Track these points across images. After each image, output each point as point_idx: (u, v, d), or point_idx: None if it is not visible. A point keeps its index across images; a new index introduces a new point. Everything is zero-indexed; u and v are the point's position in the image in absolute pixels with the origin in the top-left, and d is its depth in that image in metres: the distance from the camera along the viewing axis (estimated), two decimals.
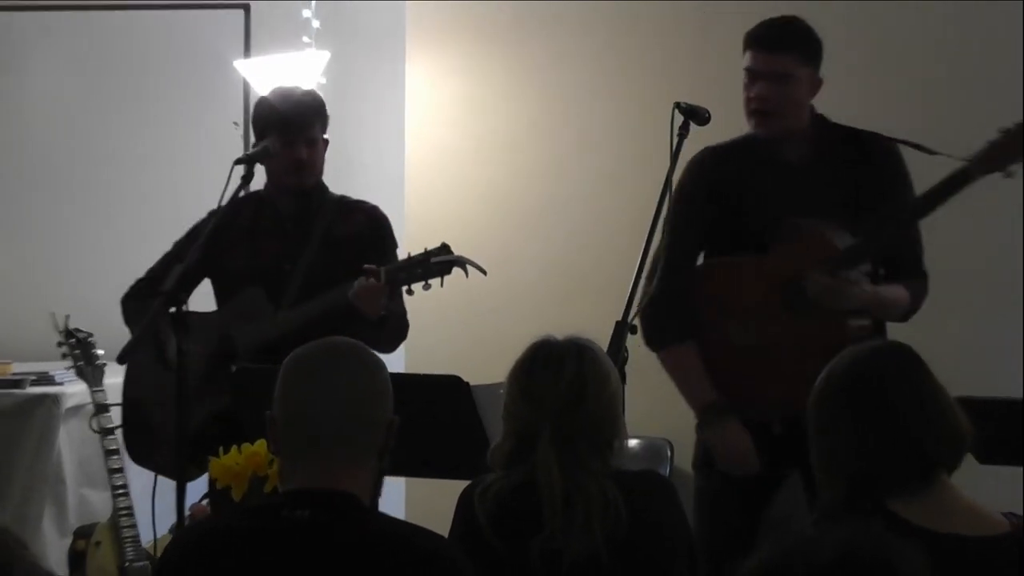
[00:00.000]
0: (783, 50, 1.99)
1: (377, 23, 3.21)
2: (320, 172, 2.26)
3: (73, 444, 2.66)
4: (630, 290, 1.87)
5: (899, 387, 1.36)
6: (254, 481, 1.78)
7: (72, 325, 2.48)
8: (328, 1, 3.08)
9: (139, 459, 2.30)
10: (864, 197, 1.96)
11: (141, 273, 2.33)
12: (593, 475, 1.50)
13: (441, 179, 3.21)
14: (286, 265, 2.22)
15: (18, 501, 2.57)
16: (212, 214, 2.12)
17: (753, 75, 2.00)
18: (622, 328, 1.82)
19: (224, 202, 2.05)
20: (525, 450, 1.52)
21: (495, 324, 2.93)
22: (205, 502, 2.10)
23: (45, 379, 2.70)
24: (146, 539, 2.31)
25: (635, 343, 1.89)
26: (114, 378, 2.43)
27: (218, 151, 2.83)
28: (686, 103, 1.94)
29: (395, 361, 2.39)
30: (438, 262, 2.00)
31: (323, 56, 3.00)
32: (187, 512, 1.98)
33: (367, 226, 2.26)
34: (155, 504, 1.99)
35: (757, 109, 1.99)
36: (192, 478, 2.00)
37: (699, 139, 2.05)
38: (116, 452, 2.38)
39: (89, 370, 2.46)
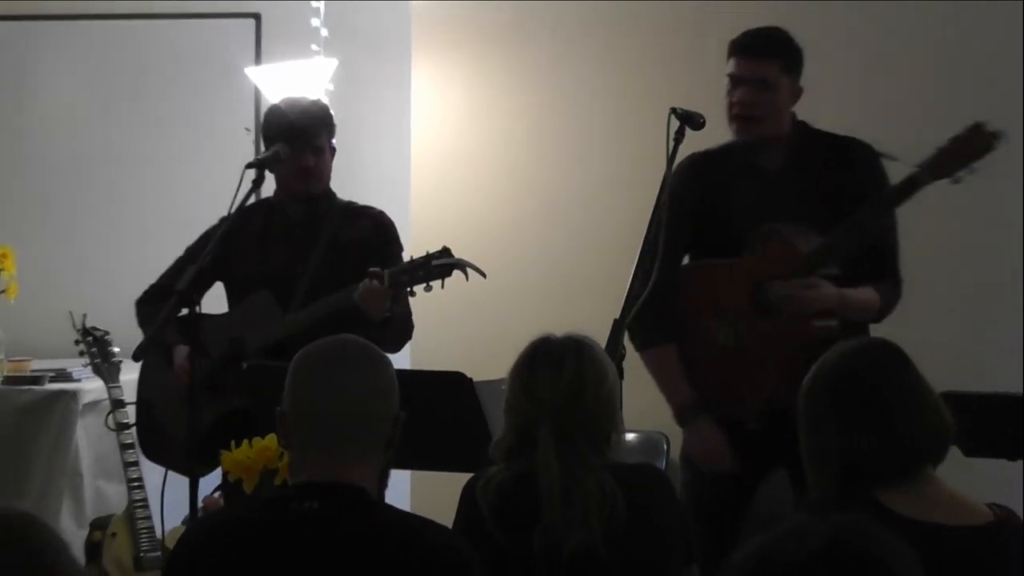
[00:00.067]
0: (766, 57, 2.03)
1: (383, 31, 3.25)
2: (327, 179, 2.31)
3: (90, 439, 2.70)
4: (627, 290, 1.91)
5: (885, 383, 1.39)
6: (265, 474, 1.83)
7: (89, 324, 2.54)
8: (336, 11, 3.13)
9: (152, 456, 2.35)
10: (843, 202, 2.00)
11: (155, 274, 2.39)
12: (591, 469, 1.54)
13: (445, 182, 3.25)
14: (295, 269, 2.27)
15: (37, 494, 2.61)
16: (224, 220, 2.17)
17: (736, 81, 2.04)
18: (620, 326, 1.86)
19: (235, 205, 2.11)
20: (525, 444, 1.56)
21: (497, 323, 2.97)
22: (217, 495, 2.16)
23: (63, 376, 2.75)
24: (171, 524, 2.36)
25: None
26: (130, 375, 2.49)
27: (230, 156, 2.87)
28: (682, 108, 1.99)
29: (401, 359, 2.43)
30: (439, 265, 2.05)
31: (331, 63, 3.06)
32: (200, 504, 2.04)
33: (373, 231, 2.31)
34: (164, 499, 2.04)
35: (739, 114, 2.04)
36: (202, 475, 2.05)
37: (696, 143, 2.09)
38: (131, 446, 2.43)
39: (105, 367, 2.51)
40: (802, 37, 3.05)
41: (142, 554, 2.36)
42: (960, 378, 2.13)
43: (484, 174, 3.27)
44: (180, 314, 2.08)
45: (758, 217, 2.03)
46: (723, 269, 2.05)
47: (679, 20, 3.03)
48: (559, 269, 3.02)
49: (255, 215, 2.34)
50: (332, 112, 2.35)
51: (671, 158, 1.98)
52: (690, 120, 1.98)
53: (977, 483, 1.63)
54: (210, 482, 2.13)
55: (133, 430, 2.45)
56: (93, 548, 2.38)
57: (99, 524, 2.43)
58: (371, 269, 2.10)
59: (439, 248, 2.07)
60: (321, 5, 3.11)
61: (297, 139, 2.24)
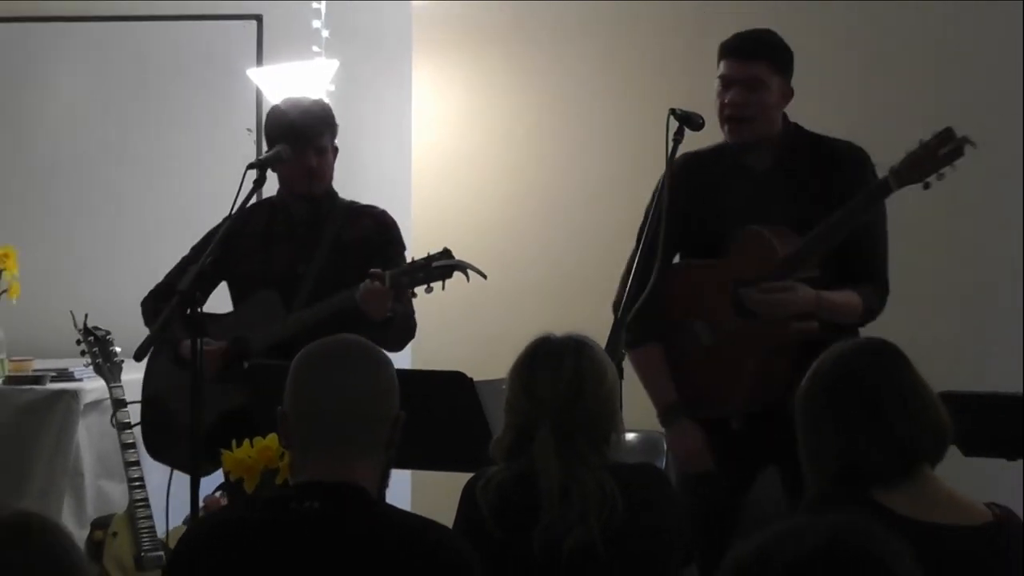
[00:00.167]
0: (756, 59, 2.04)
1: (384, 33, 3.26)
2: (329, 179, 2.31)
3: (92, 438, 2.70)
4: (626, 292, 1.92)
5: (883, 382, 1.39)
6: (266, 474, 1.84)
7: (91, 324, 2.54)
8: (337, 11, 3.14)
9: (156, 454, 2.36)
10: (831, 204, 2.00)
11: (156, 274, 2.40)
12: (591, 468, 1.54)
13: (446, 183, 3.26)
14: (298, 269, 2.28)
15: (39, 493, 2.62)
16: (227, 220, 2.18)
17: (727, 82, 2.05)
18: (619, 326, 1.87)
19: (237, 206, 2.12)
20: (525, 443, 1.56)
21: (498, 323, 2.98)
22: (219, 494, 2.16)
23: (65, 376, 2.75)
24: (160, 531, 2.37)
25: None
26: (131, 375, 2.50)
27: (232, 157, 2.88)
28: (681, 109, 2.00)
29: (402, 359, 2.44)
30: (440, 266, 2.05)
31: (332, 65, 3.07)
32: (201, 504, 2.04)
33: (375, 230, 2.32)
34: (170, 498, 2.04)
35: (731, 115, 2.04)
36: (206, 473, 2.05)
37: (695, 143, 2.10)
38: (133, 446, 2.43)
39: (107, 367, 2.52)
40: (802, 38, 3.05)
41: (143, 553, 2.37)
42: (960, 378, 2.13)
43: (485, 174, 3.27)
44: (187, 313, 2.09)
45: (745, 218, 2.04)
46: (705, 270, 2.06)
47: (679, 21, 3.04)
48: (559, 269, 3.02)
49: (258, 214, 2.34)
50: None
51: (670, 159, 1.99)
52: (689, 121, 1.99)
53: (977, 483, 1.63)
54: (211, 482, 2.13)
55: (134, 430, 2.45)
56: (94, 547, 2.39)
57: (100, 523, 2.44)
58: (372, 270, 2.11)
59: (440, 249, 2.08)
60: (322, 6, 3.12)
61: (299, 139, 2.24)
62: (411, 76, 3.28)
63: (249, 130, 3.22)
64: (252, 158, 2.51)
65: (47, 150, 3.36)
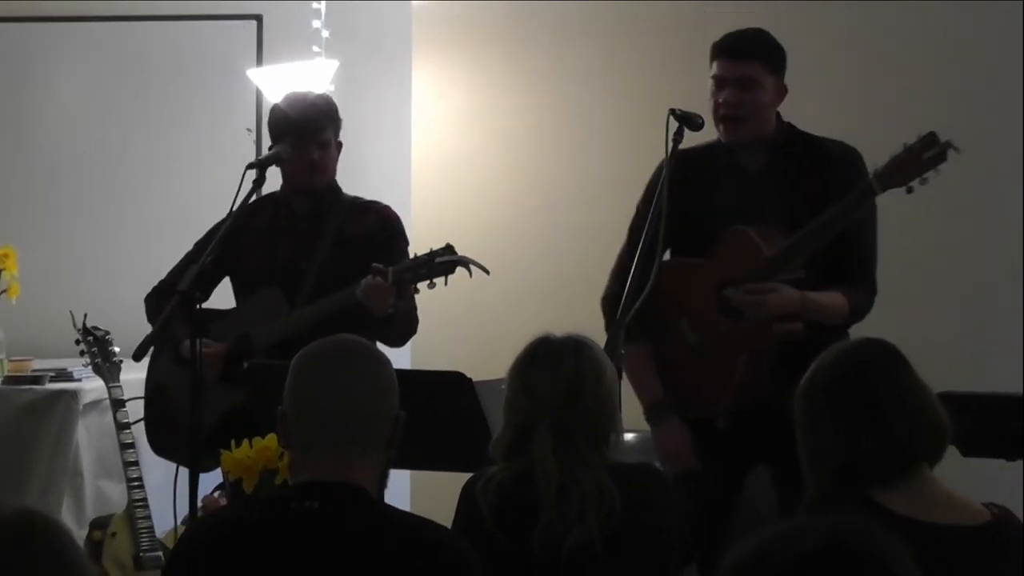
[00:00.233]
0: (749, 58, 2.04)
1: (384, 33, 3.26)
2: (332, 173, 2.31)
3: (91, 438, 2.70)
4: (626, 290, 1.92)
5: (881, 383, 1.39)
6: (265, 474, 1.84)
7: (90, 324, 2.54)
8: (337, 11, 3.14)
9: (160, 451, 2.36)
10: (822, 205, 2.01)
11: (156, 274, 2.40)
12: (589, 467, 1.55)
13: (446, 183, 3.26)
14: (301, 264, 2.28)
15: (38, 493, 2.62)
16: (230, 215, 2.17)
17: (720, 82, 2.05)
18: (618, 326, 1.87)
19: (237, 205, 2.12)
20: (524, 442, 1.57)
21: (497, 323, 2.98)
22: (217, 494, 2.16)
23: (64, 376, 2.75)
24: (167, 527, 2.37)
25: None
26: (130, 375, 2.50)
27: (232, 156, 2.88)
28: (680, 109, 2.00)
29: (401, 359, 2.44)
30: (442, 262, 2.05)
31: (332, 65, 3.07)
32: (200, 504, 2.05)
33: (378, 225, 2.32)
34: (176, 493, 2.04)
35: (726, 115, 2.05)
36: (210, 470, 2.05)
37: (695, 143, 2.09)
38: (132, 446, 2.44)
39: (106, 367, 2.52)
40: (802, 38, 3.05)
41: (142, 553, 2.37)
42: (960, 378, 2.14)
43: (485, 174, 3.27)
44: (184, 311, 2.09)
45: (737, 217, 2.04)
46: (692, 269, 2.06)
47: (678, 21, 3.04)
48: (559, 269, 3.03)
49: (261, 210, 2.35)
50: None
51: (670, 159, 1.99)
52: (689, 121, 2.00)
53: (977, 484, 1.63)
54: (211, 481, 2.13)
55: (134, 430, 2.46)
56: (93, 547, 2.39)
57: (99, 523, 2.44)
58: (374, 265, 2.11)
59: (442, 245, 2.07)
60: (322, 6, 3.12)
61: (302, 133, 2.25)
62: (411, 76, 3.28)
63: (249, 130, 3.22)
64: (252, 158, 2.51)
65: (47, 150, 3.36)
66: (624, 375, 1.82)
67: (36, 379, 2.75)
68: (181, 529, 2.15)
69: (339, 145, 2.31)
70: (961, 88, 3.07)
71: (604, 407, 1.59)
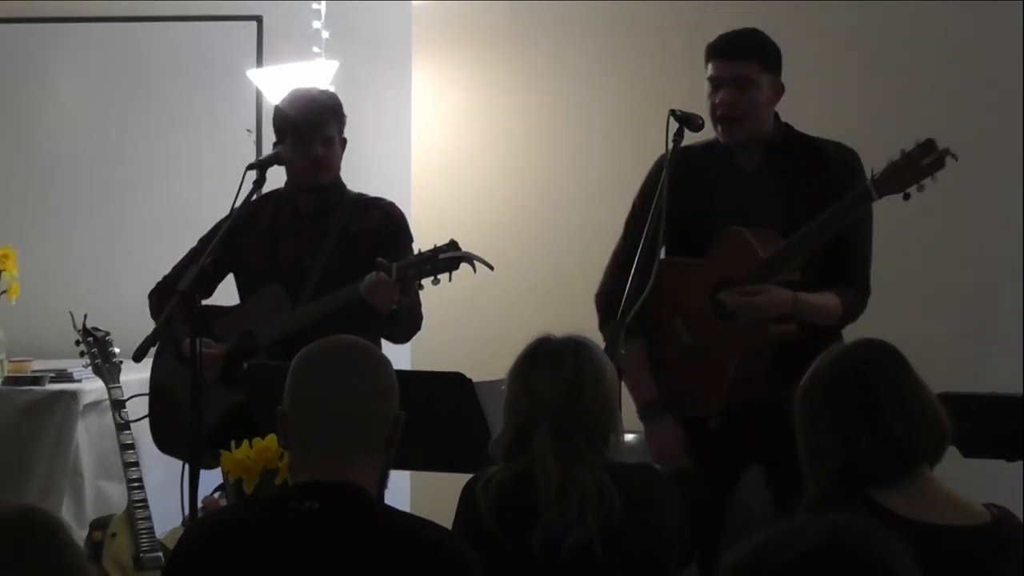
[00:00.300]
0: (744, 58, 2.05)
1: (384, 33, 3.27)
2: (336, 170, 2.31)
3: (91, 438, 2.70)
4: (626, 290, 1.92)
5: (881, 383, 1.40)
6: (265, 474, 1.84)
7: (90, 324, 2.54)
8: (337, 12, 3.14)
9: (165, 449, 2.36)
10: (817, 206, 2.01)
11: (156, 274, 2.41)
12: (589, 468, 1.55)
13: (446, 183, 3.26)
14: (305, 261, 2.28)
15: (38, 493, 2.61)
16: (234, 212, 2.17)
17: (716, 83, 2.05)
18: (618, 327, 1.87)
19: (238, 205, 2.12)
20: (524, 442, 1.57)
21: (497, 323, 2.99)
22: (217, 495, 2.16)
23: (64, 376, 2.75)
24: (168, 527, 2.37)
25: None
26: (130, 375, 2.50)
27: (232, 157, 2.89)
28: (681, 110, 2.01)
29: (401, 359, 2.45)
30: (446, 258, 2.05)
31: (332, 65, 3.08)
32: (200, 505, 2.05)
33: (382, 222, 2.32)
34: (183, 489, 2.04)
35: (723, 115, 2.05)
36: (212, 467, 2.05)
37: (692, 141, 2.10)
38: (132, 446, 2.44)
39: (106, 367, 2.52)
40: (802, 38, 3.05)
41: (142, 554, 2.37)
42: (960, 378, 2.14)
43: (484, 175, 3.28)
44: (184, 311, 2.09)
45: (733, 217, 2.05)
46: (688, 269, 2.06)
47: (678, 21, 3.04)
48: (559, 270, 3.03)
49: (265, 207, 2.35)
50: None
51: (670, 160, 1.99)
52: (689, 122, 2.01)
53: (976, 484, 1.64)
54: (211, 482, 2.13)
55: (133, 430, 2.46)
56: (93, 548, 2.39)
57: (99, 524, 2.44)
58: (378, 261, 2.11)
59: (446, 241, 2.07)
60: (322, 7, 3.12)
61: (306, 130, 2.25)
62: (411, 76, 3.28)
63: (249, 131, 3.22)
64: (252, 158, 2.51)
65: (47, 150, 3.36)
66: (622, 376, 1.81)
67: (36, 380, 2.75)
68: (180, 530, 2.15)
69: (343, 141, 2.32)
70: (961, 88, 3.07)
71: (604, 407, 1.60)
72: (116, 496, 2.63)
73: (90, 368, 2.55)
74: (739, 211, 2.05)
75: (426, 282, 2.10)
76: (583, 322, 2.12)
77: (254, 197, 2.20)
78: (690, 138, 2.07)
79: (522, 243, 3.11)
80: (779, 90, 2.09)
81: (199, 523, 1.69)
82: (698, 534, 1.79)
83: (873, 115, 3.06)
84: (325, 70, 3.06)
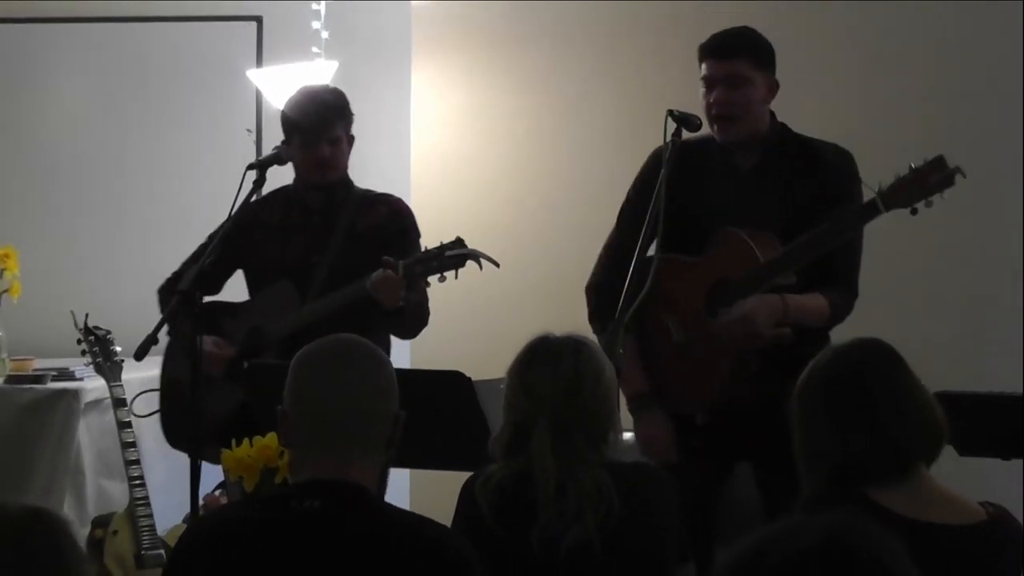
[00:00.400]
0: (736, 56, 2.05)
1: (383, 33, 3.27)
2: (343, 168, 2.33)
3: (92, 437, 2.71)
4: (625, 289, 1.93)
5: (877, 382, 1.40)
6: (265, 473, 1.85)
7: (91, 323, 2.55)
8: (336, 12, 3.15)
9: (177, 444, 2.37)
10: (810, 207, 2.02)
11: (156, 274, 2.42)
12: (588, 466, 1.55)
13: (446, 184, 3.27)
14: (313, 258, 2.30)
15: (40, 491, 2.62)
16: (244, 209, 2.20)
17: (710, 82, 2.06)
18: (617, 325, 1.88)
19: (238, 205, 2.14)
20: (523, 440, 1.57)
21: (497, 323, 2.99)
22: (219, 492, 2.17)
23: (65, 375, 2.76)
24: (172, 522, 2.37)
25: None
26: (131, 374, 2.51)
27: (232, 157, 2.89)
28: (679, 111, 2.01)
29: (401, 359, 2.45)
30: (453, 255, 2.06)
31: (332, 66, 3.09)
32: (201, 503, 2.05)
33: (390, 218, 2.33)
34: (194, 485, 2.04)
35: (719, 114, 2.05)
36: (218, 462, 2.06)
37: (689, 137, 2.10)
38: (133, 444, 2.45)
39: (107, 366, 2.53)
40: (802, 38, 3.06)
41: (143, 551, 2.38)
42: (960, 378, 2.14)
43: (484, 175, 3.28)
44: (191, 311, 2.10)
45: (728, 214, 2.05)
46: (683, 266, 2.07)
47: (678, 21, 3.04)
48: (559, 270, 3.03)
49: (273, 204, 2.37)
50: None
51: (668, 160, 1.99)
52: (686, 122, 2.01)
53: (975, 483, 1.64)
54: (211, 480, 2.14)
55: (135, 428, 2.47)
56: (95, 545, 2.40)
57: (101, 522, 2.45)
58: (385, 258, 2.12)
59: (453, 239, 2.08)
60: (322, 7, 3.13)
61: (313, 130, 2.27)
62: (410, 77, 3.29)
63: (249, 131, 3.23)
64: (252, 158, 2.52)
65: (48, 151, 3.37)
66: (620, 375, 1.82)
67: (38, 378, 2.76)
68: (182, 527, 2.16)
69: (351, 139, 2.33)
70: (961, 88, 3.07)
71: (602, 406, 1.60)
72: (117, 494, 2.64)
73: (92, 367, 2.56)
74: (735, 209, 2.05)
75: (432, 279, 2.11)
76: (582, 321, 2.12)
77: (254, 197, 2.21)
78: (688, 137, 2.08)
79: (522, 243, 3.12)
80: (773, 87, 2.10)
81: (200, 521, 1.69)
82: (691, 532, 1.80)
83: (873, 115, 3.06)
84: (325, 70, 3.07)
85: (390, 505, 1.42)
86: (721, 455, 2.06)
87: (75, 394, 2.70)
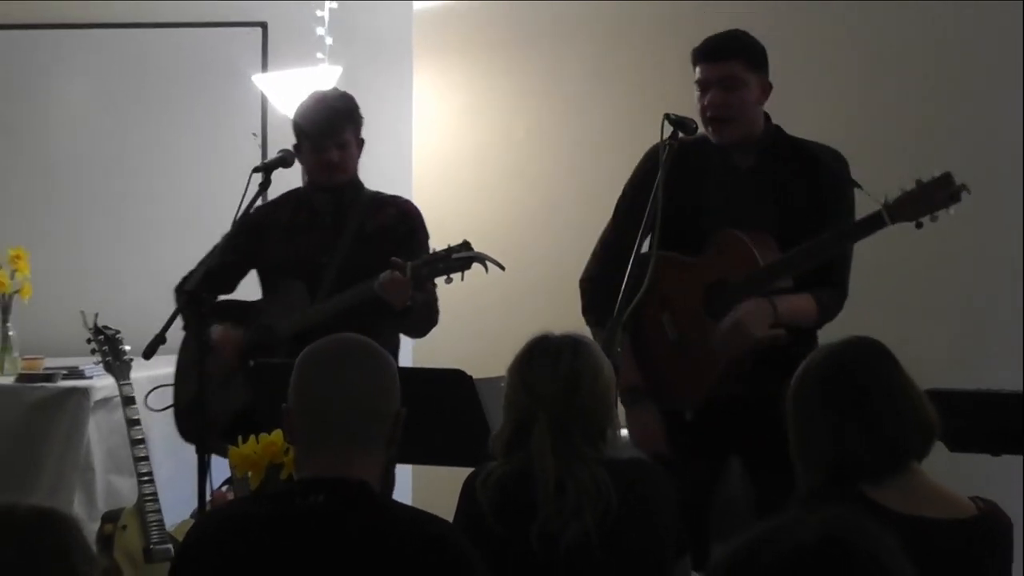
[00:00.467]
0: (729, 58, 2.07)
1: (385, 36, 3.29)
2: (352, 171, 2.36)
3: (101, 434, 2.73)
4: (623, 289, 1.95)
5: (871, 381, 1.42)
6: (270, 469, 1.87)
7: (100, 323, 2.58)
8: (339, 16, 3.17)
9: (189, 437, 2.39)
10: (809, 208, 2.03)
11: (164, 275, 2.45)
12: (586, 462, 1.57)
13: (448, 186, 3.29)
14: (323, 258, 2.33)
15: (50, 488, 2.65)
16: (255, 210, 2.24)
17: (704, 85, 2.08)
18: (615, 324, 1.90)
19: (243, 207, 2.17)
20: (523, 437, 1.59)
21: (498, 322, 3.01)
22: (226, 488, 2.20)
23: (75, 373, 2.78)
24: (180, 518, 2.40)
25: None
26: (140, 372, 2.54)
27: (237, 160, 2.92)
28: (675, 114, 2.03)
29: (403, 357, 2.48)
30: (459, 258, 2.09)
31: (335, 71, 3.12)
32: (208, 499, 2.08)
33: (398, 220, 2.36)
34: (207, 480, 2.07)
35: (713, 116, 2.07)
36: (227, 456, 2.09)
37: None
38: (142, 442, 2.48)
39: (116, 365, 2.56)
40: (802, 38, 3.07)
41: (152, 546, 2.41)
42: (960, 378, 2.15)
43: (485, 176, 3.30)
44: (219, 299, 2.16)
45: (724, 213, 2.06)
46: (681, 265, 2.08)
47: (678, 22, 3.05)
48: (558, 269, 3.05)
49: (285, 205, 2.41)
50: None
51: (664, 162, 2.01)
52: (683, 126, 2.03)
53: (974, 480, 1.66)
54: (218, 477, 2.17)
55: (143, 425, 2.50)
56: (104, 540, 2.43)
57: (110, 517, 2.48)
58: (393, 259, 2.15)
59: (460, 242, 2.11)
60: (325, 13, 3.16)
61: (321, 135, 2.30)
62: (412, 79, 3.30)
63: (255, 134, 3.26)
64: (257, 161, 2.56)
65: (58, 155, 3.40)
66: (619, 373, 1.84)
67: (48, 377, 2.78)
68: (189, 523, 2.19)
69: (360, 142, 2.36)
70: (961, 88, 3.07)
71: (601, 404, 1.62)
72: (126, 490, 2.66)
73: (101, 365, 2.59)
74: (732, 209, 2.07)
75: (439, 281, 2.14)
76: (582, 321, 2.15)
77: (259, 200, 2.25)
78: None
79: (522, 243, 3.14)
80: (767, 88, 2.11)
81: (207, 516, 1.71)
82: (686, 527, 1.82)
83: (873, 115, 3.07)
84: (328, 75, 3.10)
85: (393, 501, 1.45)
86: (710, 451, 2.08)
87: (85, 392, 2.73)
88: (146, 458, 2.47)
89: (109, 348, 2.56)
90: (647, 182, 2.03)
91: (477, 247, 2.12)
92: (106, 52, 3.37)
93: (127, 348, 2.57)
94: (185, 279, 2.40)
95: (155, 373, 2.51)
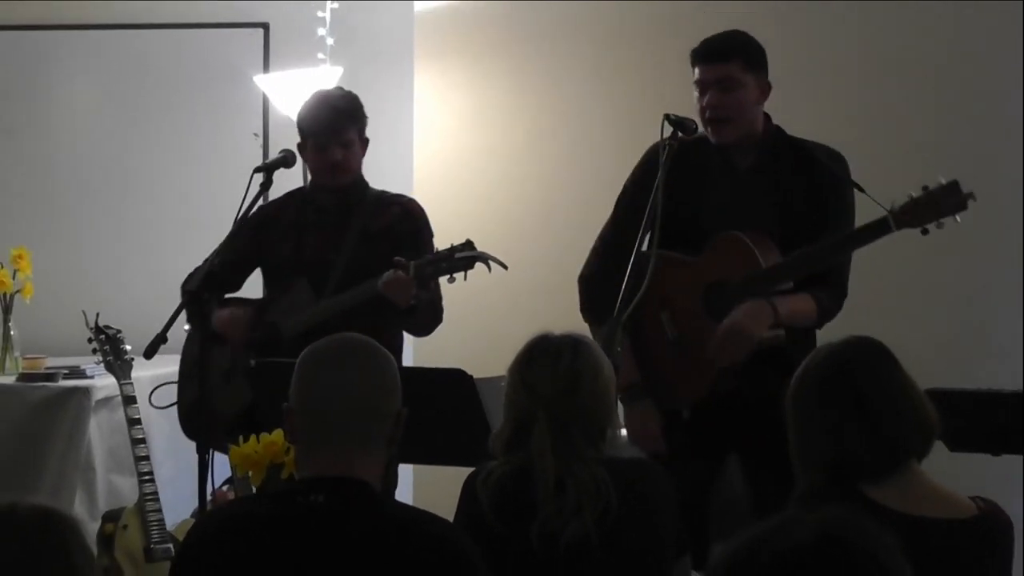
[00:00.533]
0: (726, 59, 2.07)
1: (386, 37, 3.30)
2: (356, 170, 2.37)
3: (102, 433, 2.74)
4: (623, 289, 1.95)
5: (871, 380, 1.42)
6: (271, 468, 1.88)
7: (102, 323, 2.59)
8: (340, 17, 3.18)
9: (193, 435, 2.41)
10: (809, 208, 2.04)
11: (165, 275, 2.48)
12: (586, 461, 1.58)
13: (448, 187, 3.29)
14: (328, 257, 2.34)
15: (51, 487, 2.66)
16: (260, 209, 2.24)
17: (703, 86, 2.08)
18: (615, 324, 1.91)
19: (244, 207, 2.17)
20: (523, 436, 1.60)
21: (498, 322, 3.02)
22: (227, 487, 2.21)
23: (77, 373, 2.79)
24: (181, 517, 2.41)
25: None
26: (141, 371, 2.55)
27: (239, 161, 2.93)
28: (675, 115, 2.03)
29: (404, 356, 2.49)
30: (462, 257, 2.09)
31: (336, 71, 3.13)
32: (209, 498, 2.09)
33: (402, 219, 2.37)
34: (210, 477, 2.08)
35: (712, 117, 2.08)
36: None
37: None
38: (143, 441, 2.48)
39: (118, 364, 2.56)
40: (802, 39, 3.07)
41: (152, 545, 2.41)
42: (960, 378, 2.16)
43: (486, 177, 3.31)
44: (225, 297, 2.17)
45: (724, 213, 2.07)
46: (681, 265, 2.09)
47: (679, 23, 3.05)
48: (559, 270, 3.05)
49: (290, 204, 2.42)
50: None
51: (665, 163, 2.01)
52: (682, 126, 2.03)
53: (973, 480, 1.66)
54: (219, 476, 2.18)
55: (144, 425, 2.50)
56: (105, 539, 2.43)
57: (111, 516, 2.48)
58: (396, 259, 2.16)
59: (463, 241, 2.11)
60: (327, 14, 3.16)
61: (325, 135, 2.31)
62: (413, 80, 3.31)
63: (256, 135, 3.27)
64: (258, 162, 2.56)
65: (58, 154, 3.41)
66: (618, 372, 1.84)
67: (49, 376, 2.79)
68: (190, 522, 2.20)
69: (365, 142, 2.37)
70: (961, 88, 3.08)
71: (600, 403, 1.62)
72: (127, 489, 2.67)
73: (102, 365, 2.60)
74: (732, 208, 2.07)
75: (442, 280, 2.14)
76: (581, 320, 2.15)
77: (261, 200, 2.26)
78: None
79: (523, 244, 3.14)
80: (766, 89, 2.11)
81: (208, 516, 1.71)
82: (686, 526, 1.82)
83: (873, 116, 3.07)
84: (330, 76, 3.11)
85: (394, 500, 1.46)
86: (709, 450, 2.09)
87: (86, 392, 2.73)
88: (147, 457, 2.47)
89: (110, 347, 2.57)
90: (647, 181, 2.04)
91: (478, 247, 2.13)
92: (108, 53, 3.37)
93: (128, 347, 2.57)
94: (189, 277, 2.41)
95: (156, 372, 2.52)
